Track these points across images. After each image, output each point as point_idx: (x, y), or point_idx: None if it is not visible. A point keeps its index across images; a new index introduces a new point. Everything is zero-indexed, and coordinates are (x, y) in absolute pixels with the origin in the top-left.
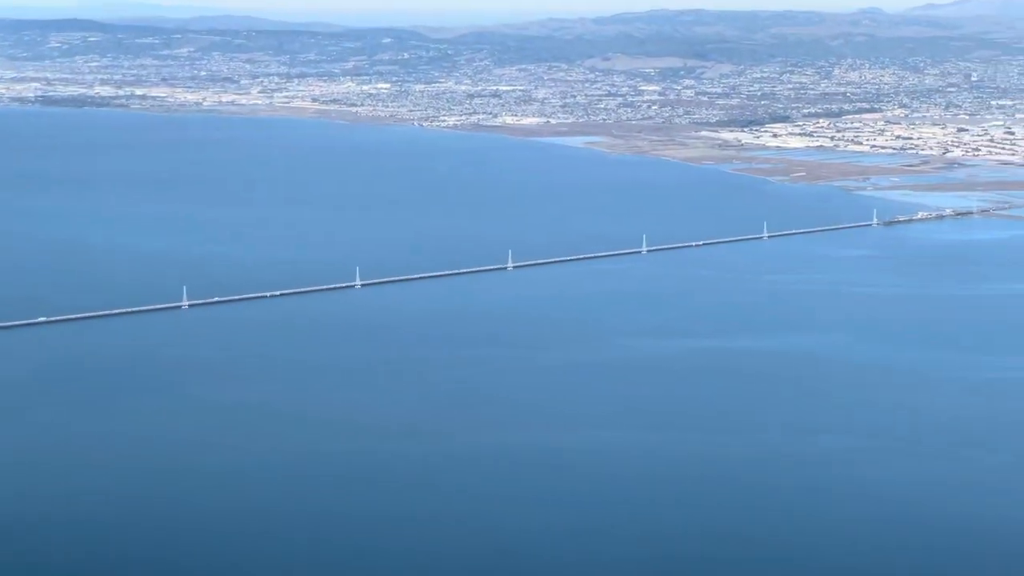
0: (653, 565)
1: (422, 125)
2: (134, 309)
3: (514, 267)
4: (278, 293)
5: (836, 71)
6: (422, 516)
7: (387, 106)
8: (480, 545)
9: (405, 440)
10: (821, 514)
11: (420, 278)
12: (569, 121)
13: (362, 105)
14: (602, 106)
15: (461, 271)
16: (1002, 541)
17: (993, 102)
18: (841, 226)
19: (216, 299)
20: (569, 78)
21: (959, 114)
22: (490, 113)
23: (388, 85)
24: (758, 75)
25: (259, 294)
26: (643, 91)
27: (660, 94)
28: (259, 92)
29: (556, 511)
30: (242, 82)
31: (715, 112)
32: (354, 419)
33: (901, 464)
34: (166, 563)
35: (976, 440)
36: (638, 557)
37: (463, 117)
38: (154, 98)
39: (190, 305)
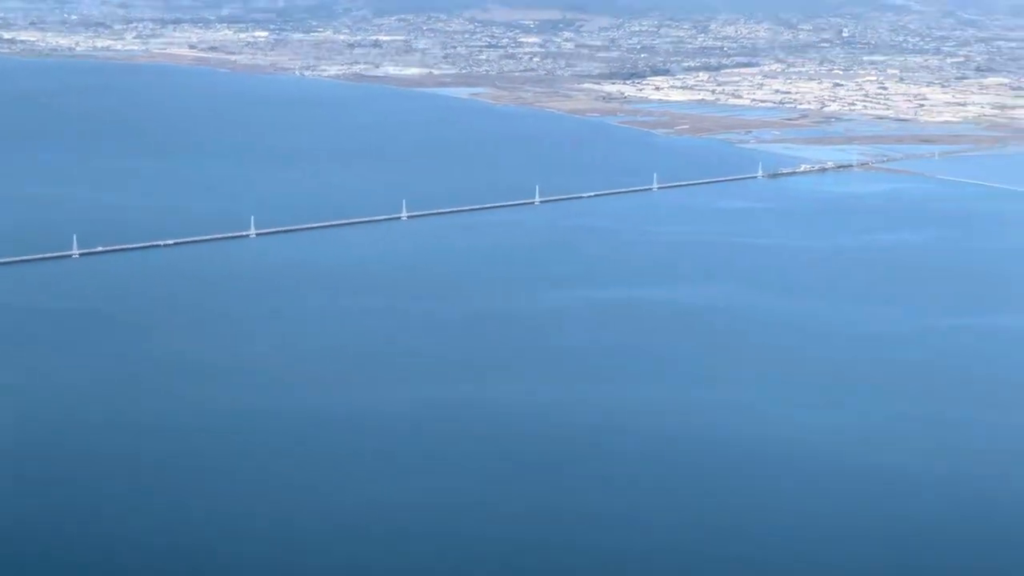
0: (560, 518)
1: (304, 74)
2: (21, 258)
3: (408, 217)
4: (171, 242)
5: (713, 26)
6: (323, 468)
7: (267, 55)
8: (374, 500)
9: (302, 391)
10: (722, 461)
11: (315, 228)
12: (452, 72)
13: (240, 53)
14: (483, 57)
15: (356, 220)
16: (892, 484)
17: (865, 58)
18: (728, 178)
19: (107, 248)
20: (449, 28)
21: (833, 69)
22: (372, 63)
23: (266, 33)
24: (637, 28)
25: (151, 243)
26: (523, 43)
27: (540, 46)
28: (134, 38)
29: (452, 469)
30: (115, 27)
31: (596, 65)
32: (248, 369)
33: (798, 413)
34: (51, 517)
35: (867, 389)
36: (538, 510)
37: (345, 67)
38: (23, 42)
39: (80, 254)
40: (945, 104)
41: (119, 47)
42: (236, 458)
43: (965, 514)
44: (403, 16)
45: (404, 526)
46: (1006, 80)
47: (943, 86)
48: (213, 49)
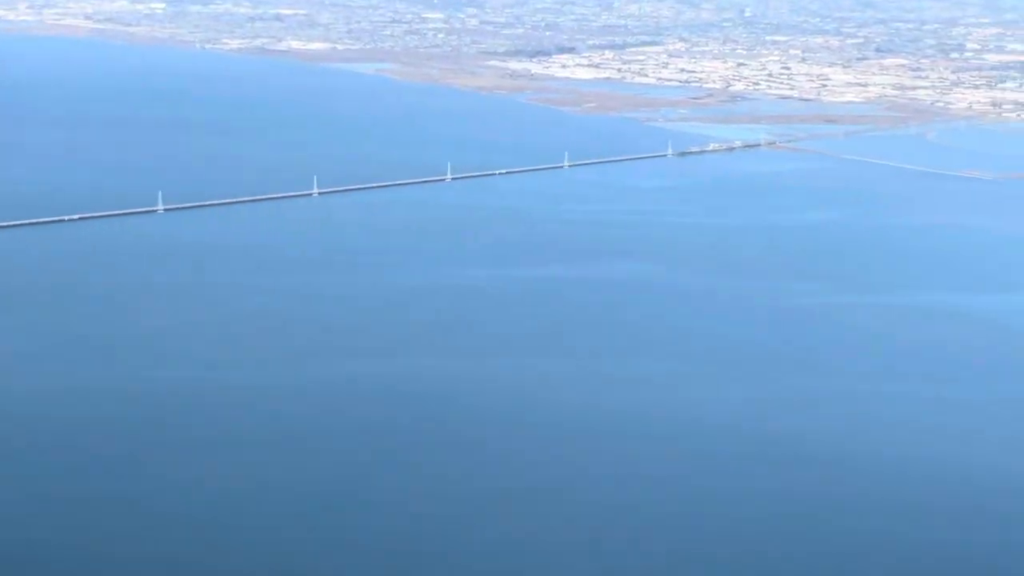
0: (475, 496)
1: (204, 47)
2: None
3: (320, 193)
4: (77, 217)
5: (616, 4)
6: (237, 443)
7: (164, 27)
8: (298, 472)
9: (216, 369)
10: (644, 433)
11: (225, 203)
12: (356, 47)
13: (138, 25)
14: (388, 33)
15: (267, 197)
16: (812, 451)
17: (767, 38)
18: (638, 156)
19: (9, 223)
20: (351, 3)
21: (736, 49)
22: (274, 37)
23: (163, 5)
24: (540, 5)
25: (57, 218)
26: (427, 19)
27: (444, 22)
28: (27, 8)
29: (368, 440)
30: None
31: (501, 42)
32: (160, 347)
33: (721, 386)
34: None
35: (786, 363)
36: (442, 490)
37: (246, 40)
38: None
39: None
40: (847, 84)
41: (11, 18)
42: (107, 435)
43: (861, 482)
44: None
45: (270, 505)
46: (904, 61)
47: (844, 67)
48: (109, 20)
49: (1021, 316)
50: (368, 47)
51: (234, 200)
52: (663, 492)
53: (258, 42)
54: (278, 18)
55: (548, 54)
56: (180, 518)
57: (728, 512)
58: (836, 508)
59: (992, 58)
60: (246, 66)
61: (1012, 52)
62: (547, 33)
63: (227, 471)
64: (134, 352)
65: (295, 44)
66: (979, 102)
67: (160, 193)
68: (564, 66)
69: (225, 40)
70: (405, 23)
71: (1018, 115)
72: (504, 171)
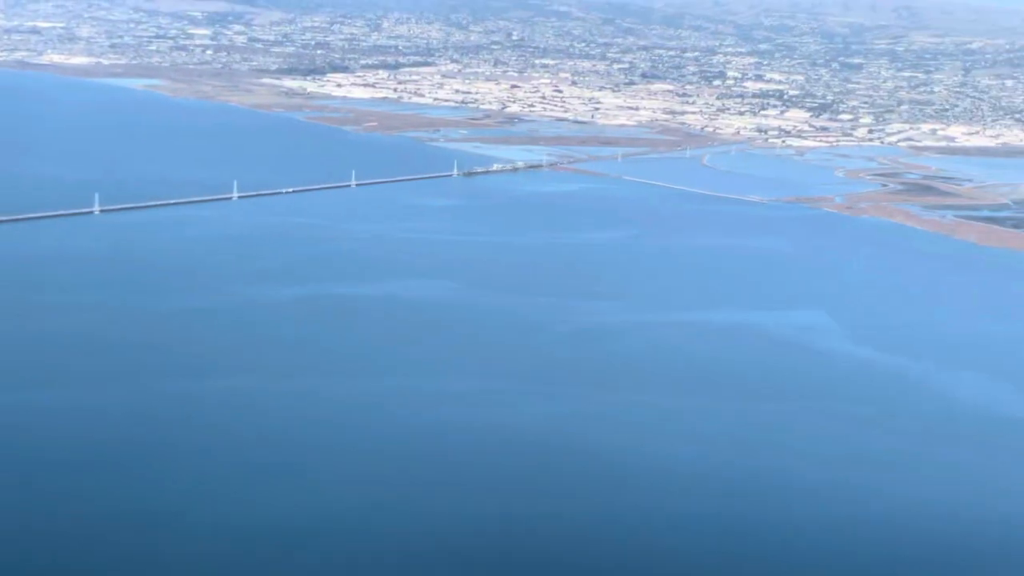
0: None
1: None
2: None
3: (101, 211)
4: None
5: (385, 24)
6: (56, 467)
7: None
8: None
9: (20, 391)
10: (457, 454)
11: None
12: (122, 62)
13: None
14: (153, 48)
15: (44, 215)
16: (622, 466)
17: (536, 60)
18: (424, 176)
19: None
20: (112, 17)
21: (508, 71)
22: (33, 50)
23: None
24: (309, 24)
25: None
26: (193, 35)
27: (211, 39)
28: None
29: (183, 460)
30: None
31: (272, 60)
32: None
33: (529, 404)
34: None
35: (589, 379)
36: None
37: (4, 53)
38: None
39: None
40: (618, 108)
41: None
42: None
43: (672, 495)
44: (60, 3)
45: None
46: (671, 87)
47: (614, 90)
48: None
49: (802, 332)
50: (134, 62)
51: (9, 218)
52: (477, 506)
53: (16, 55)
54: (35, 31)
55: (322, 73)
56: None
57: (541, 528)
58: (638, 520)
59: (752, 86)
60: (7, 80)
61: (770, 81)
62: (318, 52)
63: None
64: None
65: (56, 58)
66: (745, 128)
67: None
68: (340, 85)
69: None
70: (170, 39)
71: (782, 141)
72: (291, 189)
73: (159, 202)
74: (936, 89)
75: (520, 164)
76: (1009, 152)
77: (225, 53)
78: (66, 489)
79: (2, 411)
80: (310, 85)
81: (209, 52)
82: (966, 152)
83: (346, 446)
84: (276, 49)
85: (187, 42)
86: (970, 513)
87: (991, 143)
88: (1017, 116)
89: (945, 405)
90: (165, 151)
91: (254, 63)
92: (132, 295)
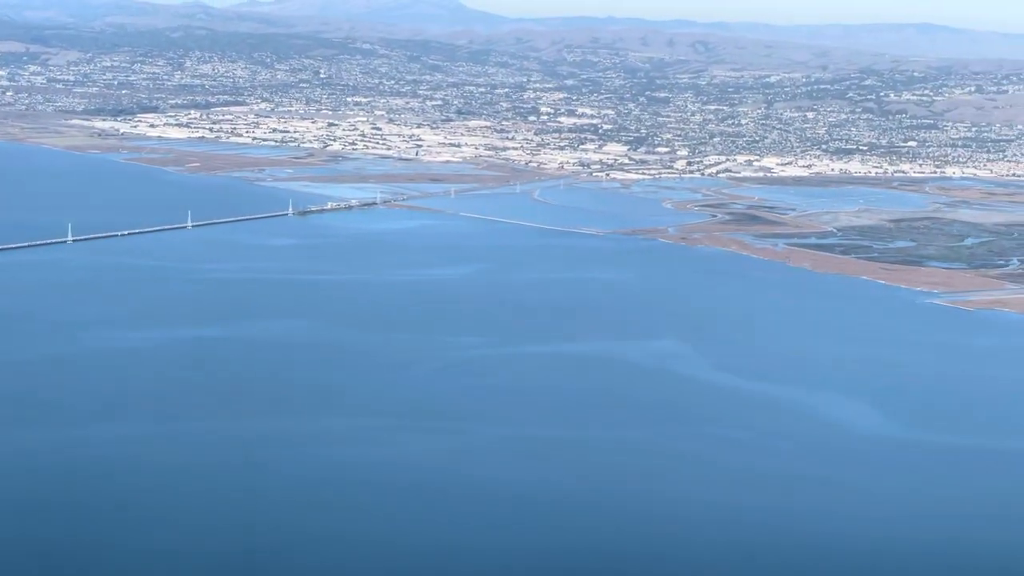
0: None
1: None
2: None
3: None
4: None
5: (188, 63)
6: None
7: None
8: None
9: None
10: (342, 492)
11: None
12: None
13: None
14: None
15: None
16: (507, 499)
17: (349, 98)
18: (260, 215)
19: None
20: None
21: (321, 109)
22: None
23: None
24: (109, 64)
25: None
26: None
27: (9, 79)
28: None
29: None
30: None
31: (76, 100)
32: None
33: (410, 440)
34: None
35: (468, 413)
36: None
37: None
38: None
39: None
40: (440, 144)
41: None
42: None
43: (569, 519)
44: None
45: None
46: (488, 123)
47: (432, 127)
48: None
49: (663, 360)
50: None
51: None
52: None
53: None
54: None
55: (131, 113)
56: None
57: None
58: (539, 551)
59: (566, 121)
60: None
61: (582, 116)
62: (123, 92)
63: None
64: None
65: None
66: (568, 162)
67: None
68: (153, 125)
69: None
70: None
71: (606, 175)
72: (127, 232)
73: None
74: (743, 121)
75: (354, 202)
76: (823, 181)
77: (26, 94)
78: None
79: None
80: (122, 126)
81: (9, 93)
82: (783, 182)
83: (225, 491)
84: (78, 89)
85: None
86: (855, 524)
87: (805, 173)
88: (824, 147)
89: (811, 424)
90: None
91: (58, 104)
92: None
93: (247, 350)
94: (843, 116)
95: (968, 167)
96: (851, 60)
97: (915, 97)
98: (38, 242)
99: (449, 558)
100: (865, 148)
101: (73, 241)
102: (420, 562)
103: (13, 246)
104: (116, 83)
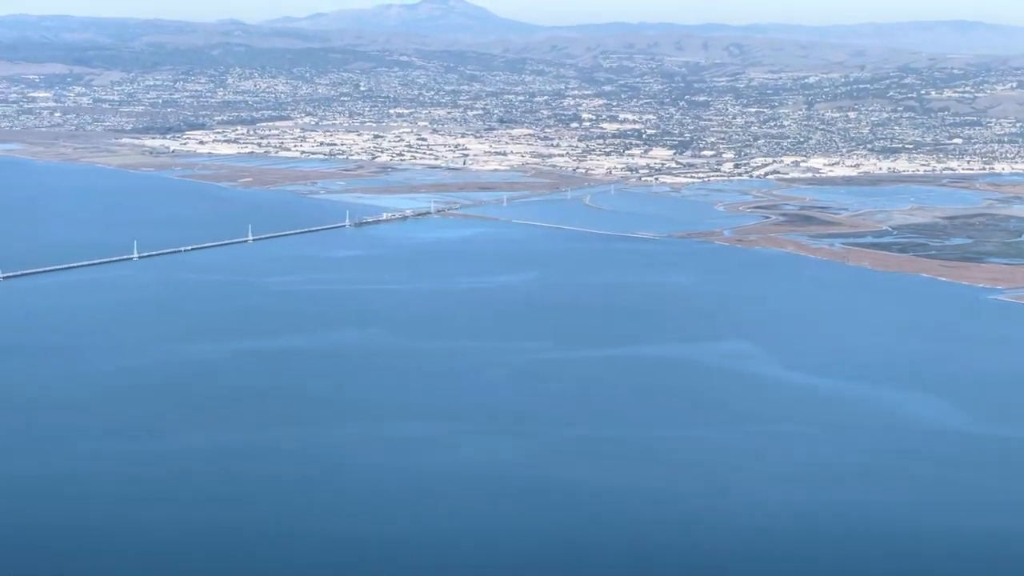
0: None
1: None
2: None
3: (4, 278)
4: None
5: (229, 79)
6: None
7: None
8: None
9: None
10: (434, 495)
11: None
12: None
13: None
14: None
15: None
16: (595, 499)
17: (391, 110)
18: (318, 228)
19: None
20: None
21: (365, 121)
22: None
23: None
24: (152, 82)
25: None
26: (35, 98)
27: (56, 101)
28: None
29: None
30: None
31: (124, 119)
32: None
33: (485, 443)
34: None
35: (546, 417)
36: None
37: None
38: None
39: None
40: (486, 153)
41: None
42: None
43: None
44: None
45: None
46: (531, 131)
47: (476, 136)
48: None
49: (732, 360)
50: None
51: None
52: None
53: None
54: None
55: (180, 130)
56: None
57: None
58: (643, 554)
59: (608, 126)
60: None
61: (624, 121)
62: (167, 110)
63: None
64: None
65: None
66: (616, 168)
67: None
68: (202, 142)
69: None
70: (13, 103)
71: (655, 179)
72: (191, 247)
73: (60, 266)
74: (786, 123)
75: (409, 212)
76: (872, 180)
77: (74, 115)
78: None
79: None
80: (172, 143)
81: (57, 114)
82: (832, 182)
83: (321, 498)
84: (124, 109)
85: (31, 106)
86: (943, 523)
87: (853, 172)
88: (869, 146)
89: (886, 420)
90: (52, 215)
91: (107, 123)
92: (60, 359)
93: (319, 360)
94: (885, 115)
95: (1017, 163)
96: (888, 59)
97: (956, 94)
98: (106, 259)
99: (535, 556)
100: (911, 146)
101: (139, 258)
102: (507, 560)
103: (83, 263)
104: (161, 101)
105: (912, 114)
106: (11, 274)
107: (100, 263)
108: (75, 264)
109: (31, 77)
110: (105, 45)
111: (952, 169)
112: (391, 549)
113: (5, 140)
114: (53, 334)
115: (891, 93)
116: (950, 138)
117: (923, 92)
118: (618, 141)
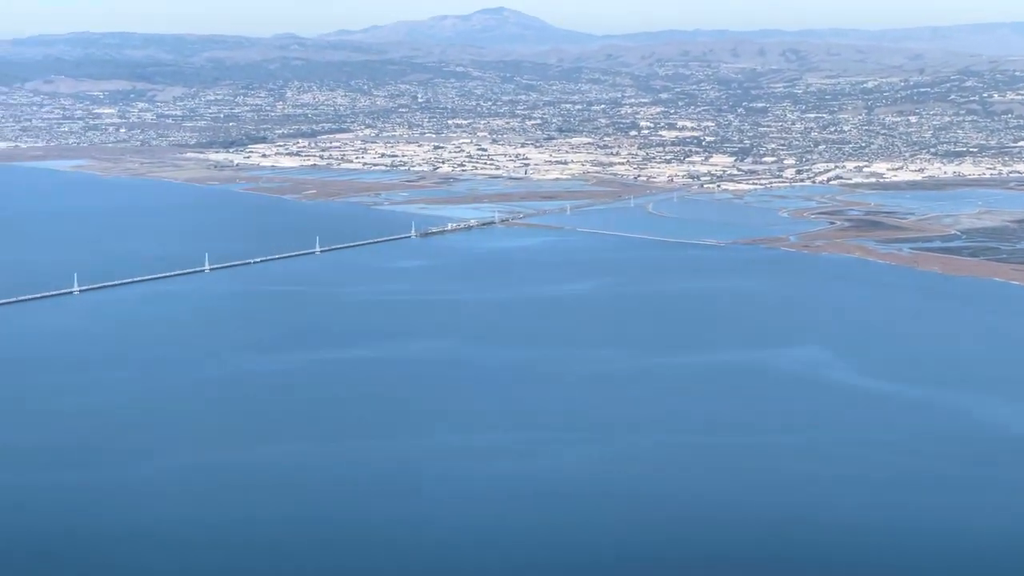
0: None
1: None
2: None
3: (81, 291)
4: None
5: (288, 93)
6: None
7: None
8: None
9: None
10: (513, 495)
11: None
12: (40, 145)
13: None
14: (66, 129)
15: (24, 298)
16: (665, 501)
17: (450, 121)
18: (384, 239)
19: None
20: (13, 101)
21: (425, 132)
22: None
23: None
24: (212, 97)
25: None
26: (100, 114)
27: (120, 116)
28: None
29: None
30: None
31: (187, 134)
32: None
33: (566, 450)
34: None
35: (622, 423)
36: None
37: None
38: None
39: None
40: (547, 162)
41: None
42: None
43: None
44: None
45: None
46: (590, 139)
47: (536, 146)
48: None
49: (806, 367)
50: (52, 144)
51: None
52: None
53: None
54: None
55: (242, 144)
56: None
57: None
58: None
59: (667, 134)
60: None
61: (682, 128)
62: (229, 124)
63: None
64: None
65: None
66: (677, 175)
67: None
68: (265, 155)
69: None
70: (79, 119)
71: (717, 186)
72: (261, 259)
73: (135, 278)
74: (846, 128)
75: (473, 222)
76: (937, 184)
77: (139, 130)
78: None
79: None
80: (235, 157)
81: (122, 130)
82: (896, 187)
83: (406, 506)
84: (187, 124)
85: (96, 121)
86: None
87: (917, 177)
88: (932, 150)
89: (967, 426)
90: (124, 229)
91: (171, 138)
92: (144, 369)
93: (394, 370)
94: (947, 119)
95: None
96: (947, 62)
97: (1020, 97)
98: (178, 272)
99: (625, 562)
100: (975, 150)
101: (211, 270)
102: (595, 566)
103: (158, 276)
104: (222, 116)
105: (975, 117)
106: (88, 287)
107: (173, 275)
108: (149, 277)
109: (96, 93)
110: (166, 61)
111: (1019, 172)
112: (479, 553)
113: (74, 156)
114: (131, 347)
115: (952, 96)
116: (1015, 141)
117: (985, 95)
118: (678, 148)
